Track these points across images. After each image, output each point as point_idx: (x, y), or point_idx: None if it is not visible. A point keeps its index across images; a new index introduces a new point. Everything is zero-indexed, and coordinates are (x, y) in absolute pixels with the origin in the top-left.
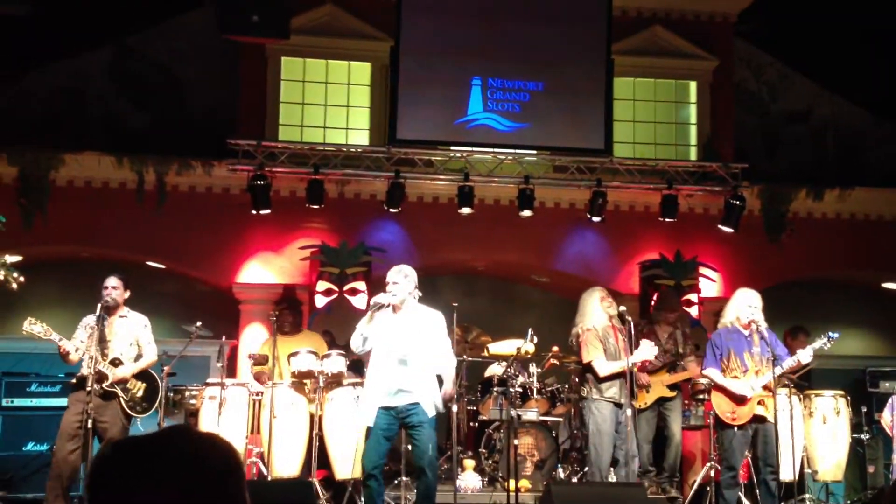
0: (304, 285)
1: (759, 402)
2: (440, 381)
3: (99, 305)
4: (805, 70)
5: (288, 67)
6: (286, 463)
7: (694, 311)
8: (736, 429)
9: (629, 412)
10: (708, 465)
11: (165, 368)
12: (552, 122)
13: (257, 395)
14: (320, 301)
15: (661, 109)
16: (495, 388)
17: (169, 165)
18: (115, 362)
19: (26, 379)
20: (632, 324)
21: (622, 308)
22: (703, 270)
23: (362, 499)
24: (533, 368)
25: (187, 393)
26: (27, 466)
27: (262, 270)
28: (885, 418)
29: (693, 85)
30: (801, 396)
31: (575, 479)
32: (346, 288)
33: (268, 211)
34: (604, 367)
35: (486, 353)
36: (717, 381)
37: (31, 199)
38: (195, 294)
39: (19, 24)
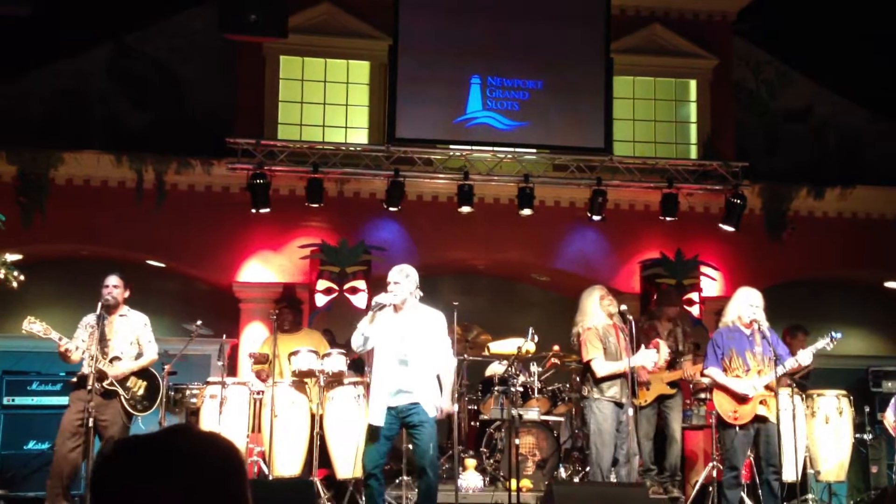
0: (304, 284)
1: (760, 402)
2: (440, 382)
3: (99, 304)
4: (804, 68)
5: (286, 66)
6: (287, 462)
7: (695, 311)
8: (738, 428)
9: (630, 411)
10: (710, 464)
11: (166, 367)
12: (552, 121)
13: (258, 393)
14: (320, 300)
15: (661, 108)
16: (496, 388)
17: (168, 164)
18: (115, 361)
19: (27, 377)
20: (633, 322)
21: (623, 307)
22: (704, 269)
23: (363, 498)
24: (534, 368)
25: (188, 392)
26: (28, 465)
27: (262, 269)
28: (888, 418)
29: (693, 83)
30: (804, 396)
31: (576, 479)
32: (346, 287)
33: (267, 210)
34: (602, 368)
35: (486, 353)
36: (719, 381)
37: (31, 197)
38: (195, 293)
39: (19, 24)
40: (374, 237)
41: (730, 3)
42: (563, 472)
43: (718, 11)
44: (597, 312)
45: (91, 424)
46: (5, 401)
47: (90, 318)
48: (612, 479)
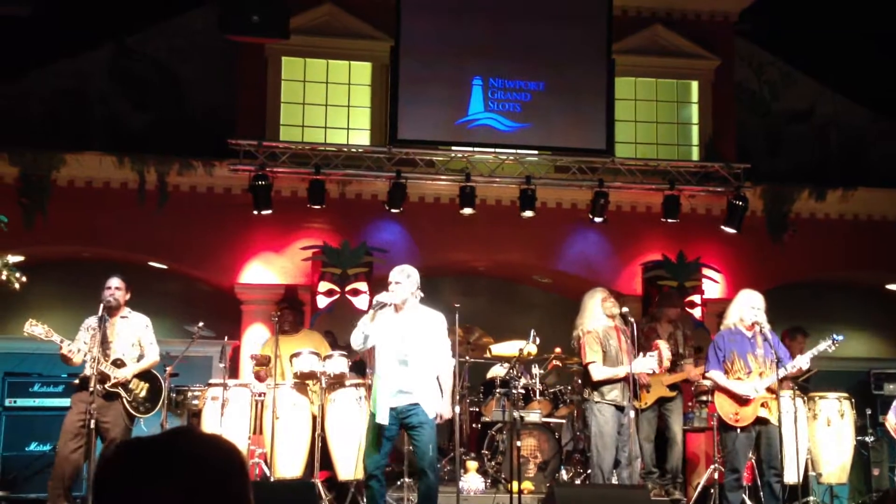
0: (305, 286)
1: (762, 404)
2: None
3: (101, 306)
4: (807, 69)
5: (288, 67)
6: (289, 464)
7: (697, 313)
8: (739, 430)
9: (632, 414)
10: (712, 467)
11: (168, 369)
12: (553, 122)
13: (259, 395)
14: (322, 301)
15: (663, 109)
16: (498, 390)
17: (170, 165)
18: (118, 363)
19: (29, 379)
20: (634, 324)
21: (625, 309)
22: (705, 271)
23: (364, 500)
24: (535, 370)
25: (190, 393)
26: (30, 466)
27: (264, 271)
28: (890, 421)
29: (694, 84)
30: (806, 399)
31: (578, 481)
32: (347, 288)
33: (269, 211)
34: (598, 372)
35: (488, 355)
36: (720, 384)
37: (33, 199)
38: (197, 294)
39: (20, 25)
40: (376, 239)
41: (732, 4)
42: (564, 475)
43: (720, 12)
44: (598, 315)
45: (93, 426)
46: (7, 402)
47: (92, 321)
48: (614, 481)
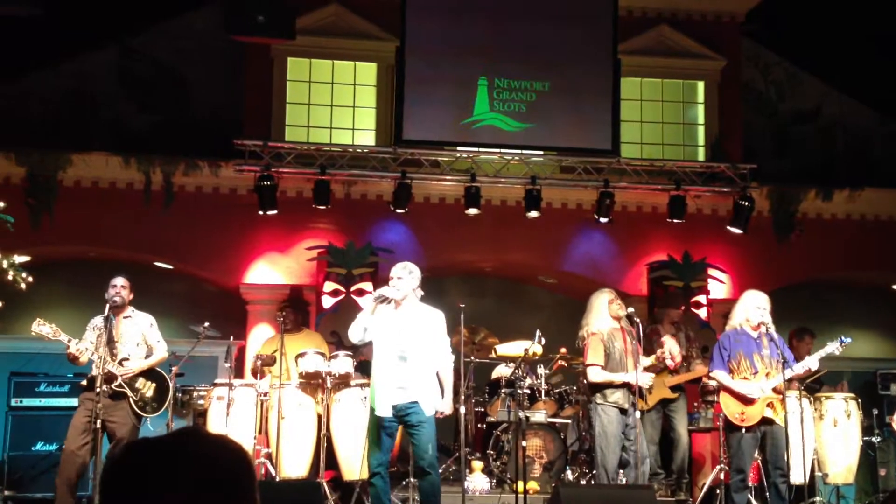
0: (310, 286)
1: (768, 405)
2: (439, 381)
3: (107, 306)
4: (813, 69)
5: (294, 68)
6: (294, 464)
7: (703, 313)
8: (744, 430)
9: (637, 414)
10: (718, 467)
11: (174, 369)
12: (559, 123)
13: (265, 395)
14: (327, 302)
15: (669, 109)
16: (503, 390)
17: (176, 166)
18: (124, 362)
19: (35, 379)
20: (640, 325)
21: (630, 309)
22: (711, 272)
23: (369, 499)
24: (541, 370)
25: (195, 393)
26: (36, 466)
27: (270, 271)
28: None
29: (700, 85)
30: (812, 399)
31: (583, 482)
32: (352, 289)
33: (275, 211)
34: (596, 375)
35: (493, 355)
36: (725, 384)
37: (39, 199)
38: (203, 294)
39: (26, 25)
40: (381, 239)
41: (738, 4)
42: (569, 475)
43: (727, 12)
44: (604, 316)
45: (99, 426)
46: (13, 402)
47: (98, 321)
48: (623, 481)
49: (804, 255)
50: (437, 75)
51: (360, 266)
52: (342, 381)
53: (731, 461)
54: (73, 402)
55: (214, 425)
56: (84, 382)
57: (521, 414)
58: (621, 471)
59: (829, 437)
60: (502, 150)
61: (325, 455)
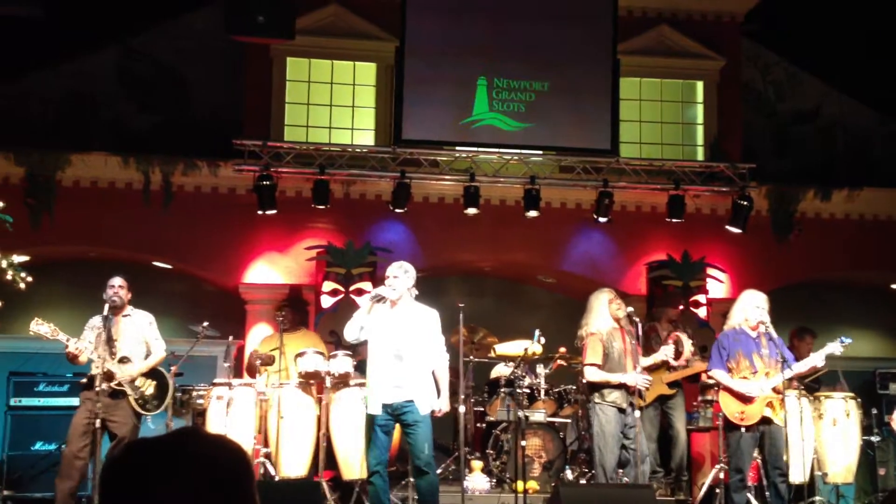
0: (310, 285)
1: (767, 404)
2: (435, 380)
3: (106, 306)
4: (812, 69)
5: (293, 68)
6: (293, 463)
7: (702, 312)
8: (743, 430)
9: (637, 413)
10: (717, 466)
11: (173, 368)
12: (558, 123)
13: (264, 395)
14: (326, 301)
15: (668, 109)
16: (503, 389)
17: (175, 166)
18: (124, 361)
19: (34, 378)
20: (639, 324)
21: (630, 309)
22: (710, 271)
23: (368, 498)
24: (540, 369)
25: (194, 393)
26: (35, 466)
27: (269, 271)
28: None
29: (700, 85)
30: (811, 398)
31: (583, 481)
32: (351, 288)
33: (274, 211)
34: (594, 375)
35: (493, 354)
36: (724, 383)
37: (39, 199)
38: (202, 294)
39: (26, 25)
40: (381, 239)
41: (737, 4)
42: (569, 474)
43: (726, 12)
44: (604, 316)
45: (98, 425)
46: (12, 402)
47: (96, 321)
48: (625, 480)
49: (803, 255)
50: (437, 75)
51: (359, 266)
52: (341, 381)
53: (731, 461)
54: (73, 401)
55: (214, 425)
56: (84, 381)
57: (521, 413)
58: (621, 470)
59: (828, 437)
60: (501, 150)
61: (325, 454)
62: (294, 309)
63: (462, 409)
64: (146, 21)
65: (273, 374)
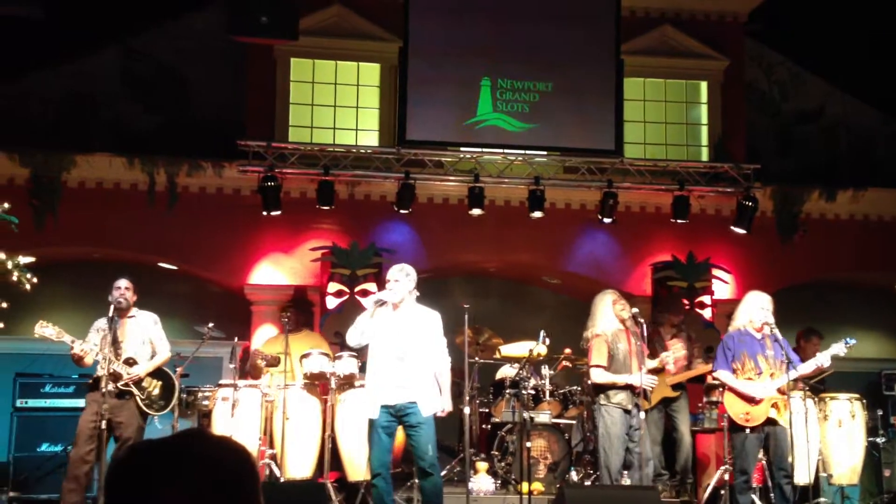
0: (314, 286)
1: (772, 405)
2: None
3: (111, 307)
4: (816, 69)
5: (297, 68)
6: (299, 464)
7: (707, 314)
8: (748, 431)
9: (642, 415)
10: (722, 468)
11: (178, 369)
12: (562, 123)
13: (269, 396)
14: (331, 302)
15: (672, 110)
16: (508, 391)
17: (179, 167)
18: (130, 362)
19: (40, 380)
20: (644, 325)
21: (635, 309)
22: (715, 272)
23: (372, 500)
24: (545, 370)
25: (200, 394)
26: (41, 467)
27: (274, 271)
28: None
29: (704, 85)
30: (816, 400)
31: (588, 482)
32: (356, 289)
33: (278, 212)
34: (599, 376)
35: (498, 355)
36: (729, 384)
37: (43, 200)
38: (207, 295)
39: (27, 26)
40: (385, 240)
41: (741, 4)
42: (574, 476)
43: (730, 12)
44: (608, 317)
45: (104, 427)
46: (18, 403)
47: (101, 323)
48: (627, 482)
49: (808, 256)
50: (441, 76)
51: (364, 266)
52: (347, 382)
53: (735, 462)
54: (79, 402)
55: (219, 426)
56: (90, 382)
57: (526, 415)
58: (625, 472)
59: (833, 438)
60: (506, 151)
61: (330, 456)
62: (298, 310)
63: (467, 410)
64: (147, 21)
65: (278, 375)
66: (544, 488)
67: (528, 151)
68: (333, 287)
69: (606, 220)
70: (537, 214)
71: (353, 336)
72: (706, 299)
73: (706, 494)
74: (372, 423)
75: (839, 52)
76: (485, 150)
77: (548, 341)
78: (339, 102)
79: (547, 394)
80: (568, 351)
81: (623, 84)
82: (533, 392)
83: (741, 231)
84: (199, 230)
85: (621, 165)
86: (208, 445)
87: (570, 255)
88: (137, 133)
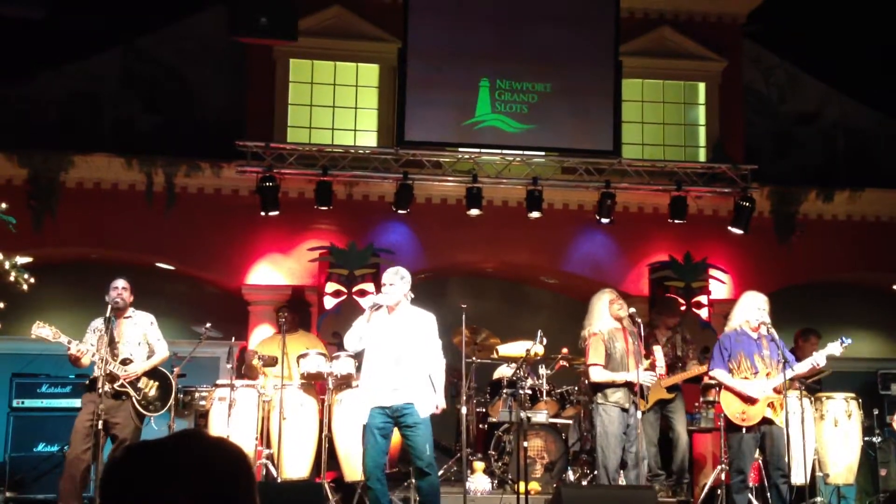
0: (312, 287)
1: (768, 405)
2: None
3: (109, 308)
4: (814, 71)
5: (296, 69)
6: (295, 464)
7: (704, 314)
8: (745, 430)
9: (639, 415)
10: (719, 467)
11: (175, 369)
12: (560, 124)
13: (266, 396)
14: (329, 302)
15: (670, 111)
16: (505, 390)
17: (178, 167)
18: (126, 362)
19: (37, 380)
20: (641, 325)
21: (632, 309)
22: (712, 272)
23: (369, 501)
24: (542, 370)
25: (197, 394)
26: (38, 467)
27: (271, 272)
28: None
29: (702, 86)
30: (813, 399)
31: (585, 482)
32: (354, 289)
33: (276, 212)
34: (597, 375)
35: (495, 355)
36: (726, 383)
37: (41, 200)
38: (204, 295)
39: (29, 28)
40: (383, 240)
41: (739, 6)
42: (571, 475)
43: (728, 14)
44: (605, 316)
45: (101, 427)
46: (15, 403)
47: (98, 323)
48: (622, 482)
49: (805, 256)
50: (439, 76)
51: (362, 267)
52: (344, 382)
53: (732, 461)
54: (75, 403)
55: (216, 426)
56: (87, 383)
57: (523, 414)
58: (622, 471)
59: (829, 438)
60: (504, 151)
61: (327, 456)
62: (294, 310)
63: (464, 410)
64: (149, 23)
65: (275, 376)
66: (541, 488)
67: (526, 152)
68: (331, 287)
69: (604, 221)
70: (535, 215)
71: (352, 341)
72: (703, 299)
73: (703, 494)
74: (366, 425)
75: (837, 53)
76: (483, 150)
77: (545, 341)
78: (337, 103)
79: (544, 393)
80: (565, 351)
81: (621, 85)
82: (530, 392)
83: (738, 231)
84: (197, 230)
85: (619, 166)
86: (203, 447)
87: (567, 256)
88: (138, 134)
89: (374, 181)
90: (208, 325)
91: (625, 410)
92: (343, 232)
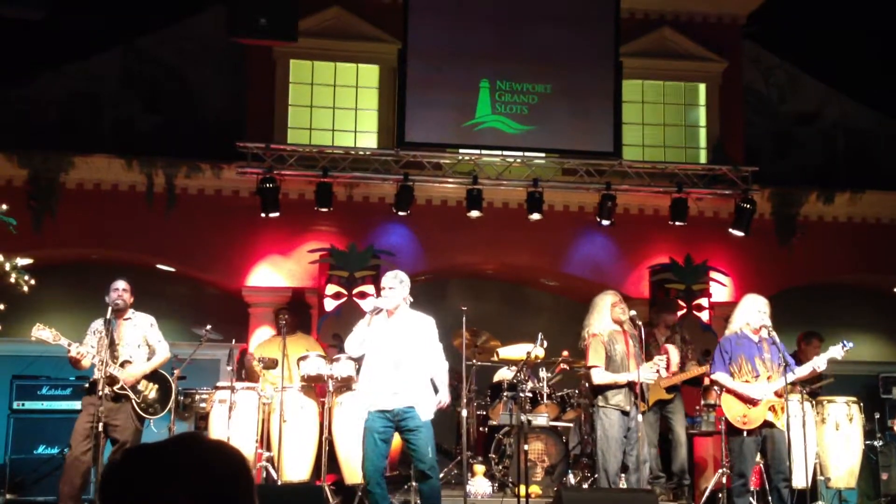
0: (312, 288)
1: (769, 408)
2: (434, 385)
3: (109, 309)
4: (814, 71)
5: (296, 70)
6: (296, 467)
7: (704, 316)
8: (746, 434)
9: (640, 418)
10: (720, 471)
11: (176, 371)
12: (560, 125)
13: (266, 398)
14: (329, 304)
15: (670, 112)
16: (505, 393)
17: (178, 168)
18: (126, 364)
19: (37, 382)
20: (642, 327)
21: (632, 312)
22: (713, 274)
23: None
24: (543, 373)
25: (197, 396)
26: (38, 469)
27: (272, 273)
28: None
29: (702, 87)
30: (814, 403)
31: (585, 485)
32: (354, 291)
33: (277, 214)
34: (599, 377)
35: (495, 358)
36: (727, 385)
37: (41, 201)
38: (205, 297)
39: (30, 28)
40: (383, 241)
41: (740, 6)
42: (571, 479)
43: (728, 14)
44: (605, 318)
45: (101, 429)
46: (15, 405)
47: (98, 324)
48: (623, 485)
49: (806, 258)
50: (439, 77)
51: (362, 269)
52: (344, 384)
53: (733, 465)
54: (75, 405)
55: (216, 428)
56: (87, 386)
57: (523, 417)
58: (623, 475)
59: (831, 441)
60: (504, 153)
61: (327, 458)
62: (293, 312)
63: (465, 413)
64: (149, 23)
65: (272, 379)
66: (542, 491)
67: (526, 153)
68: (331, 289)
69: (605, 223)
70: (536, 216)
71: (353, 346)
72: (704, 302)
73: (704, 498)
74: (366, 427)
75: (837, 54)
76: (483, 151)
77: (545, 344)
78: (338, 104)
79: (544, 396)
80: (566, 353)
81: (622, 86)
82: (530, 395)
83: (739, 233)
84: (197, 232)
85: (620, 167)
86: (202, 450)
87: (568, 258)
88: (138, 134)
89: (375, 182)
90: (208, 327)
91: (625, 413)
92: (343, 233)
